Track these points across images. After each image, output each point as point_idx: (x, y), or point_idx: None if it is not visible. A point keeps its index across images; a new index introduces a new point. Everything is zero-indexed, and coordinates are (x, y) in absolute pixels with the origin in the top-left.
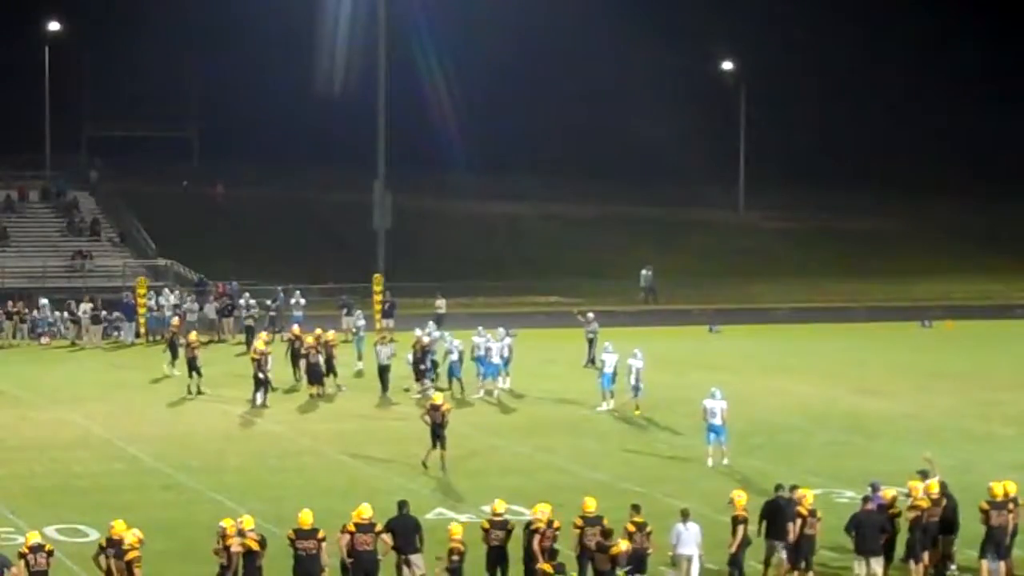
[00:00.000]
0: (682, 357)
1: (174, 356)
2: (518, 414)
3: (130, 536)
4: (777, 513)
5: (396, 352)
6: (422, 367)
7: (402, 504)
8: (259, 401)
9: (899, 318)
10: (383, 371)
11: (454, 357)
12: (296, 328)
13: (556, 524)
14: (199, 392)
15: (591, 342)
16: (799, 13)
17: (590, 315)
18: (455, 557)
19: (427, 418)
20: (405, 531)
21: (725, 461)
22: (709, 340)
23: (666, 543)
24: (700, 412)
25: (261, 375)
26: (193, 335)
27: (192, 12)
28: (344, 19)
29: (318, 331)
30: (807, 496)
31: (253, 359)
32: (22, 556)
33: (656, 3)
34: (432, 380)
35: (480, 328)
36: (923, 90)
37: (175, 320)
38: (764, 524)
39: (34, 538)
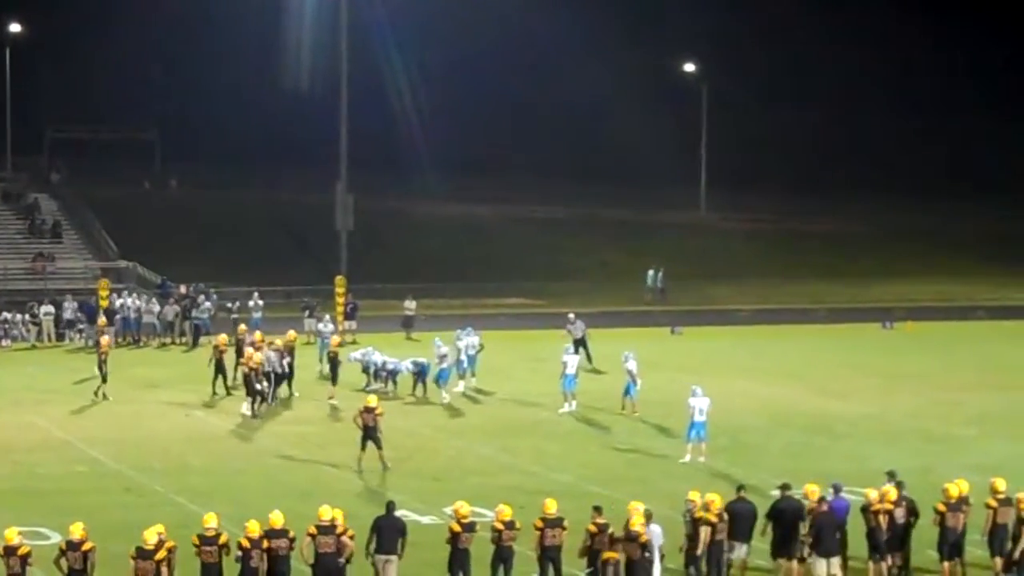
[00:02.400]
0: (644, 359)
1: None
2: (480, 416)
3: (152, 536)
4: (737, 515)
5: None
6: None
7: (390, 505)
8: (249, 411)
9: (860, 319)
10: (273, 377)
11: (447, 364)
12: (242, 327)
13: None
14: (104, 397)
15: (583, 341)
16: (761, 14)
17: (571, 316)
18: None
19: (359, 420)
20: (391, 532)
21: (702, 459)
22: (671, 342)
23: None
24: (686, 411)
25: (259, 385)
26: (104, 340)
27: (154, 14)
28: (307, 20)
29: (291, 333)
30: (715, 502)
31: (251, 368)
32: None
33: (619, 5)
34: (393, 385)
35: (469, 328)
36: (886, 92)
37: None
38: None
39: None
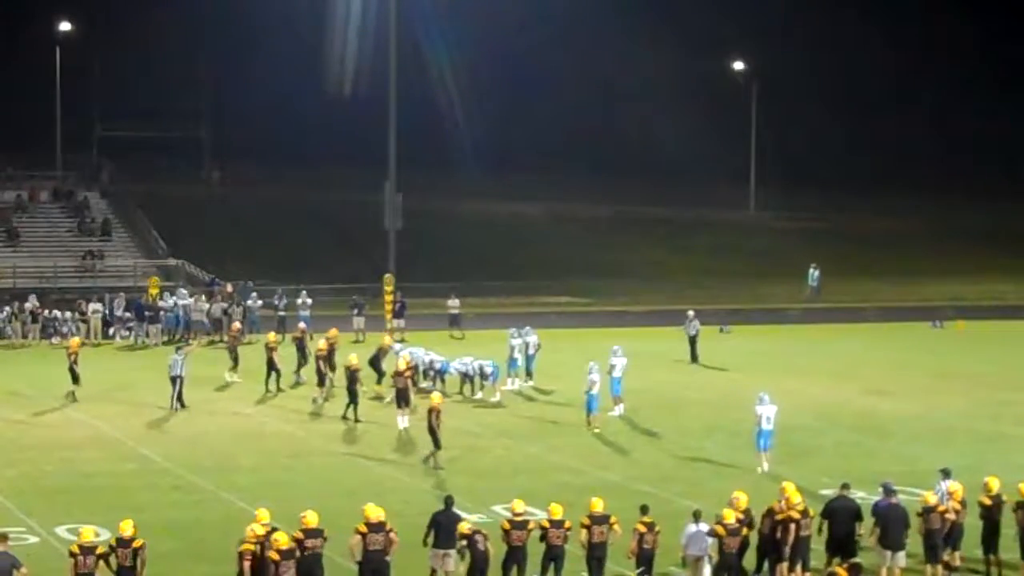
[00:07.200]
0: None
1: (235, 362)
2: (529, 414)
3: (259, 528)
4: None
5: (187, 357)
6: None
7: (448, 499)
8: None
9: (910, 318)
10: (175, 381)
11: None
12: (301, 326)
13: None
14: (74, 399)
15: (693, 340)
16: (811, 13)
17: (690, 313)
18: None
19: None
20: (449, 526)
21: (765, 466)
22: (719, 340)
23: (677, 543)
24: (754, 419)
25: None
26: (75, 341)
27: (203, 12)
28: (355, 19)
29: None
30: (794, 497)
31: (353, 370)
32: (72, 556)
33: (667, 2)
34: (441, 383)
35: (528, 328)
36: (935, 90)
37: (235, 325)
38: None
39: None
